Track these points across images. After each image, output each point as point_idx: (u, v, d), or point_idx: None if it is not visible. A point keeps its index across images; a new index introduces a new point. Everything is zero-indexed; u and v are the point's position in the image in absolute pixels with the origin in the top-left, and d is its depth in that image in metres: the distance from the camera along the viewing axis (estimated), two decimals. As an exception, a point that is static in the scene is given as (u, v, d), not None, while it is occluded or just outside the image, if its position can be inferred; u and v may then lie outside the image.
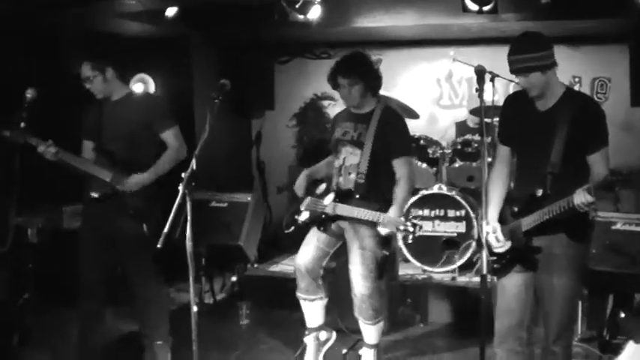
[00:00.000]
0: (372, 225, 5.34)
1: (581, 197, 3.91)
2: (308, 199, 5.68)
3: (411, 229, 5.07)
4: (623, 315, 6.23)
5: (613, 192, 3.93)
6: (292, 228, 5.75)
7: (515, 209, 4.42)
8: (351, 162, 5.55)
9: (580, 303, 6.34)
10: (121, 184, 5.51)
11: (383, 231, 5.21)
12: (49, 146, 5.41)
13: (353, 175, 5.50)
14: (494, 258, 4.46)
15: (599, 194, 3.87)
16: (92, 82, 5.56)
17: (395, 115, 5.65)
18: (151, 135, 5.64)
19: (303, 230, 5.75)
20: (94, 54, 5.65)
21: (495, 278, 4.58)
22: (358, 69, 5.52)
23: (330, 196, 5.57)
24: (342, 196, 5.51)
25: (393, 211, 5.27)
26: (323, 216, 5.57)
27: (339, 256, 5.80)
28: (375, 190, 5.44)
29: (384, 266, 5.81)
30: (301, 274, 5.70)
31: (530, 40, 4.32)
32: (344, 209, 5.40)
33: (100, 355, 5.85)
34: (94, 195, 5.61)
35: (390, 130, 5.49)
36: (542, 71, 4.24)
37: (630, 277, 5.95)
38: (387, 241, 5.59)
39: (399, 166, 5.47)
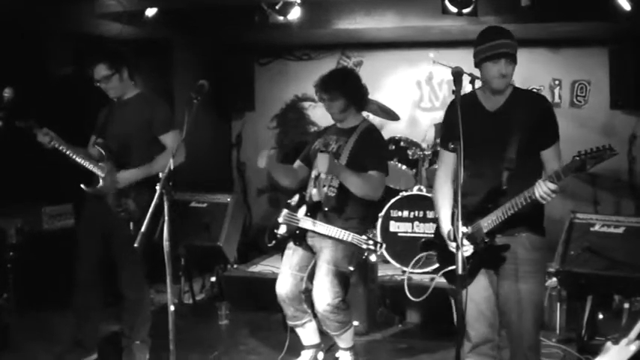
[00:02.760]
0: (340, 240, 5.38)
1: (542, 187, 3.86)
2: (284, 212, 5.65)
3: (373, 247, 5.23)
4: (601, 316, 6.27)
5: (585, 171, 3.83)
6: (274, 242, 5.70)
7: (469, 211, 4.22)
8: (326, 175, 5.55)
9: (559, 304, 6.38)
10: (111, 180, 5.60)
11: None
12: (46, 134, 5.58)
13: (325, 188, 5.51)
14: (454, 267, 4.14)
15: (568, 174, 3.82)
16: (109, 81, 5.71)
17: (374, 133, 5.70)
18: (150, 136, 5.73)
19: (285, 241, 5.74)
20: (111, 54, 5.80)
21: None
22: (339, 86, 5.57)
23: (303, 209, 5.57)
24: (312, 209, 5.53)
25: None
26: (297, 231, 5.57)
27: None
28: (344, 205, 5.47)
29: (349, 283, 5.86)
30: (284, 304, 5.66)
31: (505, 29, 4.28)
32: (320, 227, 5.43)
33: (96, 349, 5.95)
34: (86, 189, 5.69)
35: (366, 147, 5.52)
36: (515, 63, 4.23)
37: (609, 279, 5.97)
38: (353, 257, 5.54)
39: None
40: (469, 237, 4.27)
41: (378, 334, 6.82)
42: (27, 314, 6.95)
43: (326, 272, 5.40)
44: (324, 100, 5.63)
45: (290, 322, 5.76)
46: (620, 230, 6.11)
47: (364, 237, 5.25)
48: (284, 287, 5.61)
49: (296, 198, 5.67)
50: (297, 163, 5.89)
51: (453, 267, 4.30)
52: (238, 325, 7.15)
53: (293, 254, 5.67)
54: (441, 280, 6.94)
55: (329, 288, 5.37)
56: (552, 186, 3.85)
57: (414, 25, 8.53)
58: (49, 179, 7.14)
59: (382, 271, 7.54)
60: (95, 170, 5.65)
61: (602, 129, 9.30)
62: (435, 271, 7.18)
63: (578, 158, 3.75)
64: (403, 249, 7.69)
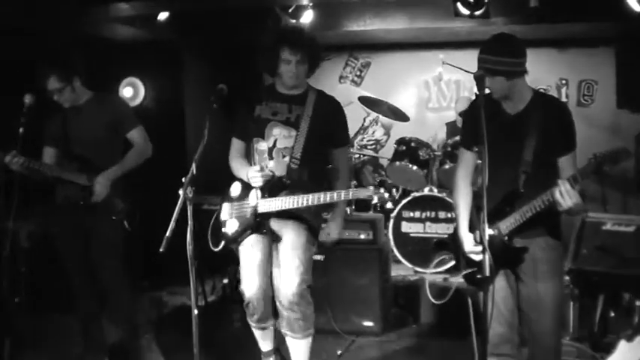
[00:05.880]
0: (301, 220, 4.94)
1: (561, 187, 3.89)
2: (226, 206, 5.08)
3: (386, 195, 4.49)
4: (612, 314, 6.31)
5: (601, 173, 3.88)
6: (222, 244, 5.09)
7: (488, 213, 4.03)
8: (284, 145, 4.98)
9: (571, 303, 6.41)
10: (100, 185, 5.54)
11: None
12: (15, 156, 5.37)
13: (286, 159, 4.95)
14: (475, 269, 4.36)
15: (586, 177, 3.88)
16: (62, 94, 5.58)
17: (334, 101, 5.18)
18: (117, 137, 5.74)
19: (237, 238, 5.05)
20: (61, 66, 5.62)
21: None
22: (312, 48, 4.99)
23: (255, 193, 4.89)
24: (273, 187, 4.86)
25: (335, 216, 5.11)
26: (258, 218, 4.89)
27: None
28: (310, 176, 4.96)
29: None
30: (254, 307, 5.07)
31: (504, 44, 4.28)
32: (299, 200, 4.70)
33: (107, 355, 5.93)
34: (73, 200, 5.61)
35: (330, 117, 5.06)
36: (507, 77, 4.22)
37: (620, 277, 6.02)
38: (315, 239, 5.07)
39: (340, 155, 5.15)
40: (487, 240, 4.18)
41: (392, 335, 6.79)
42: (40, 317, 6.98)
43: (292, 257, 4.90)
44: (286, 61, 4.91)
45: (254, 324, 5.21)
46: (632, 229, 6.14)
47: (371, 188, 4.59)
48: (252, 288, 5.01)
49: (237, 187, 5.08)
50: (239, 143, 5.23)
51: (474, 269, 4.40)
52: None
53: (252, 249, 5.02)
54: (457, 280, 6.93)
55: (296, 274, 4.88)
56: (568, 187, 3.88)
57: (423, 27, 8.60)
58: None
59: (394, 272, 7.55)
60: (77, 180, 5.56)
61: (608, 128, 9.37)
62: (449, 272, 7.35)
63: (594, 160, 3.82)
64: (415, 249, 7.75)
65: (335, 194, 4.67)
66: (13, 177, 5.36)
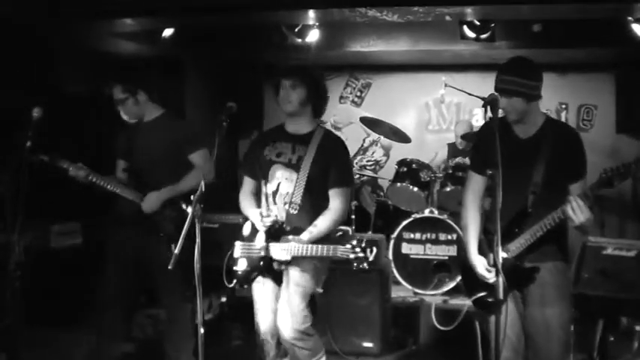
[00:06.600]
0: (306, 259, 4.83)
1: (572, 203, 3.92)
2: (238, 245, 5.03)
3: (362, 254, 4.45)
4: (612, 339, 6.30)
5: (612, 187, 3.91)
6: (235, 282, 5.04)
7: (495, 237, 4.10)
8: (286, 189, 4.94)
9: (572, 326, 6.41)
10: (149, 204, 5.56)
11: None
12: (80, 169, 5.52)
13: (287, 206, 4.91)
14: (485, 293, 4.36)
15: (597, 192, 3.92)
16: (124, 105, 5.62)
17: (337, 141, 5.06)
18: (179, 157, 5.67)
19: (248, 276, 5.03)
20: (125, 77, 5.69)
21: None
22: (305, 73, 4.94)
23: (262, 236, 4.88)
24: (276, 232, 4.85)
25: (303, 237, 4.79)
26: (261, 262, 4.88)
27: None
28: (308, 223, 4.86)
29: (316, 306, 5.07)
30: (269, 344, 5.04)
31: (524, 66, 4.34)
32: (296, 249, 4.73)
33: None
34: (126, 214, 5.65)
35: (331, 157, 4.93)
36: (526, 99, 4.25)
37: (621, 302, 6.02)
38: (320, 277, 5.00)
39: (335, 196, 4.93)
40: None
41: (391, 356, 6.76)
42: (36, 332, 6.92)
43: (293, 293, 4.84)
44: (282, 87, 4.89)
45: None
46: (632, 254, 6.11)
47: (348, 246, 4.48)
48: (266, 323, 5.02)
49: (248, 226, 5.03)
50: (250, 182, 5.20)
51: (483, 293, 4.38)
52: (250, 345, 7.13)
53: (264, 286, 5.03)
54: (455, 301, 6.91)
55: (296, 312, 4.82)
56: (580, 202, 3.90)
57: (426, 49, 8.64)
58: (56, 197, 7.13)
59: (394, 293, 7.48)
60: (132, 197, 5.60)
61: (608, 152, 9.39)
62: (449, 293, 7.35)
63: (605, 175, 3.86)
64: (415, 271, 7.74)
65: (322, 248, 4.64)
66: (20, 187, 5.34)
